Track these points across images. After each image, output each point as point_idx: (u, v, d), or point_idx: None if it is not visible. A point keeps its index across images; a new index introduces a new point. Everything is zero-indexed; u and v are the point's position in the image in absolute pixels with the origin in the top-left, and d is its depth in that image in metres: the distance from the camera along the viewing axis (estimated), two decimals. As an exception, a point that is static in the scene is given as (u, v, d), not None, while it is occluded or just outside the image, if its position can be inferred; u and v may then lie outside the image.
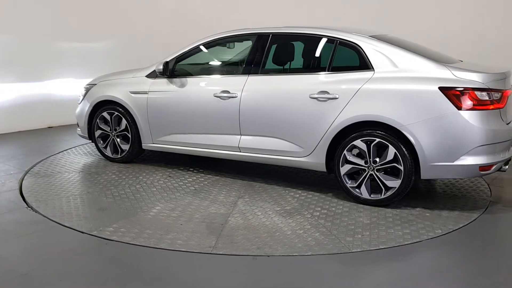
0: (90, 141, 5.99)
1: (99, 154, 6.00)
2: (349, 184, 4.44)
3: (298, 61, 4.94)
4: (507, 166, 4.28)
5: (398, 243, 3.61)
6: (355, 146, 4.35)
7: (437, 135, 4.08)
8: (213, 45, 5.26)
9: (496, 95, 4.09)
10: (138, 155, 5.70)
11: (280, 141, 4.73)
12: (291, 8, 8.90)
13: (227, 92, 4.90)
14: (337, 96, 4.40)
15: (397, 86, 4.24)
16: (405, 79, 4.24)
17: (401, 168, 4.19)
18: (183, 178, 5.19)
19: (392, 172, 4.28)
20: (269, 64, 4.94)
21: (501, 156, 4.18)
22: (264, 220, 4.03)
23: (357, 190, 4.41)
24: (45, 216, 4.08)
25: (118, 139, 5.65)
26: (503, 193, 4.75)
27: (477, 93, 4.02)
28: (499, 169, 4.24)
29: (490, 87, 4.05)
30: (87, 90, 5.89)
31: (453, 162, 4.08)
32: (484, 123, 4.03)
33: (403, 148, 4.15)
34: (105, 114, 5.66)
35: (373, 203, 4.36)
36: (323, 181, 5.12)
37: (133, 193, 4.68)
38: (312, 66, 4.84)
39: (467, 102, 4.01)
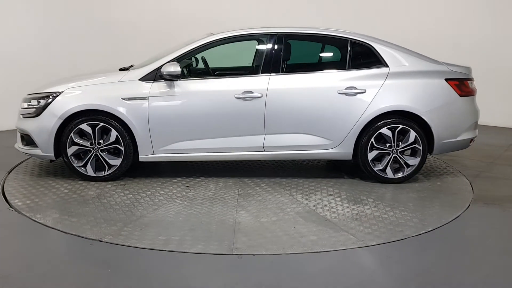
0: (52, 161, 4.97)
1: (64, 173, 5.04)
2: (375, 168, 5.04)
3: (316, 60, 5.20)
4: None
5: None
6: (381, 134, 4.95)
7: (446, 117, 5.03)
8: (223, 44, 5.05)
9: (474, 84, 5.27)
10: (126, 170, 5.02)
11: (308, 136, 4.97)
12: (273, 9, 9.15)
13: (250, 92, 4.84)
14: (364, 90, 4.91)
15: (414, 79, 5.01)
16: (417, 73, 5.03)
17: (420, 148, 5.00)
18: (204, 186, 4.88)
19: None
20: (288, 64, 5.07)
21: (477, 131, 5.40)
22: (348, 210, 4.31)
23: (382, 172, 5.04)
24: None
25: (104, 154, 4.89)
26: (484, 190, 4.95)
27: (468, 82, 5.12)
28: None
29: (471, 78, 5.20)
30: (49, 100, 4.84)
31: (456, 138, 5.12)
32: (473, 105, 5.19)
33: (421, 131, 4.96)
34: (83, 126, 4.80)
35: (395, 181, 5.07)
36: (324, 168, 5.57)
37: (186, 209, 4.26)
38: (331, 64, 5.20)
39: (463, 90, 5.06)
